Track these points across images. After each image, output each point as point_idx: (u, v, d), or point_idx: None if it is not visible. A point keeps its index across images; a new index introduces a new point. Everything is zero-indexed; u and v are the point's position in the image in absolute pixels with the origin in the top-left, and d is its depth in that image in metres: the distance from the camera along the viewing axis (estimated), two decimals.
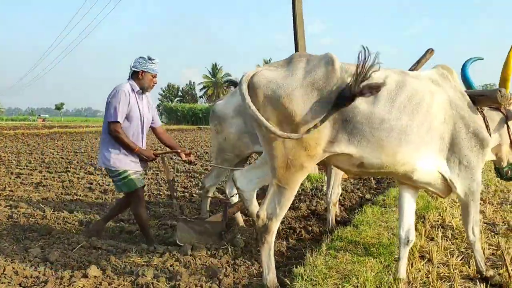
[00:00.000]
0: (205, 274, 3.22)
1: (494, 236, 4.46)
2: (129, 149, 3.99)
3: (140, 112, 4.11)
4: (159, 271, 3.31)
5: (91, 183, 7.80)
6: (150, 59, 4.07)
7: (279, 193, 2.71)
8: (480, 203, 5.72)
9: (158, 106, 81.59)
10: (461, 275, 3.45)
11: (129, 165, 4.04)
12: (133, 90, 4.06)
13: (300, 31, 8.74)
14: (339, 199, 6.31)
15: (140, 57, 4.08)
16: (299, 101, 2.60)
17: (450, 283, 3.33)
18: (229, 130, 4.31)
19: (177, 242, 3.94)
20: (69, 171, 9.35)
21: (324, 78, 2.64)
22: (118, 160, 3.99)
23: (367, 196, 6.57)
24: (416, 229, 4.58)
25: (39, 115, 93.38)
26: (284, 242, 4.07)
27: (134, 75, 4.12)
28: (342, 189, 7.17)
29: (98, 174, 8.92)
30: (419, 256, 3.83)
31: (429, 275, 3.45)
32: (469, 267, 3.61)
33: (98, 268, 3.34)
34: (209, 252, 3.79)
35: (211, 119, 4.56)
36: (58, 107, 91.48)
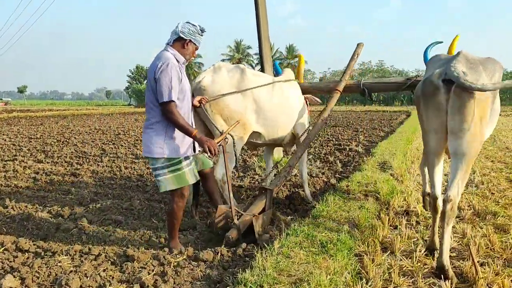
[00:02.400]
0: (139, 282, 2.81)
1: (459, 222, 4.24)
2: (187, 133, 3.31)
3: (188, 88, 3.50)
4: (88, 277, 2.88)
5: (37, 173, 7.21)
6: (202, 30, 3.46)
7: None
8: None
9: (127, 88, 79.50)
10: (425, 269, 3.18)
11: (184, 152, 3.41)
12: (178, 61, 3.37)
13: (262, 11, 8.23)
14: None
15: (190, 23, 3.39)
16: None
17: (413, 279, 3.06)
18: None
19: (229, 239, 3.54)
20: (16, 159, 8.68)
21: None
22: (173, 148, 3.33)
23: (332, 181, 6.28)
24: (379, 218, 4.33)
25: (1, 99, 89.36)
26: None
27: (178, 43, 3.41)
28: (308, 173, 6.89)
29: (48, 163, 8.31)
30: (381, 249, 3.56)
31: (391, 270, 3.18)
32: (433, 259, 3.36)
33: (16, 277, 2.89)
34: (153, 252, 3.39)
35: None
36: (21, 90, 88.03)
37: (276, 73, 5.62)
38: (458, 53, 3.14)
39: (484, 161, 8.09)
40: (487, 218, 4.41)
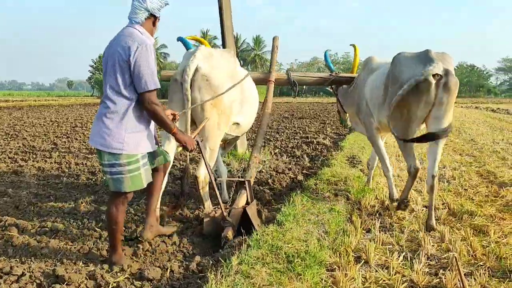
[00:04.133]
0: None
1: (437, 224, 3.92)
2: (167, 129, 2.93)
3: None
4: None
5: None
6: (166, 3, 2.98)
7: None
8: (417, 181, 5.27)
9: (90, 78, 76.83)
10: (403, 283, 2.82)
11: (145, 149, 2.94)
12: None
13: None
14: (268, 182, 5.61)
15: None
16: None
17: None
18: None
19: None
20: None
21: None
22: (135, 143, 2.84)
23: (299, 177, 5.89)
24: (351, 221, 3.95)
25: None
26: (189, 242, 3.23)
27: (148, 21, 2.93)
28: (274, 169, 6.48)
29: None
30: (355, 258, 3.17)
31: (367, 285, 2.79)
32: (412, 270, 3.00)
33: None
34: (89, 270, 2.86)
35: None
36: None
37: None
38: (429, 51, 3.67)
39: (452, 154, 7.91)
40: (463, 218, 4.12)
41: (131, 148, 2.82)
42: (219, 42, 69.70)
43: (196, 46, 4.09)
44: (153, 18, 2.95)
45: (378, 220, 3.99)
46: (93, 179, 5.87)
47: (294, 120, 16.29)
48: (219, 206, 3.46)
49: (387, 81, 3.91)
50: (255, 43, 71.80)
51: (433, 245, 3.42)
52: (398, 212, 4.25)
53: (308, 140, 10.09)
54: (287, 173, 6.22)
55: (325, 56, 6.19)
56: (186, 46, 4.71)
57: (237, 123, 4.16)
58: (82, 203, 4.59)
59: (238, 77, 4.01)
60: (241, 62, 6.13)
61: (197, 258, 2.99)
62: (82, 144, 9.42)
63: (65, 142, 9.90)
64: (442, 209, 4.42)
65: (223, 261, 2.68)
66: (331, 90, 6.05)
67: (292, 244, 2.94)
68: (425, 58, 3.60)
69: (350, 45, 5.77)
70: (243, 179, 4.04)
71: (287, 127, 13.28)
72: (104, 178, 2.98)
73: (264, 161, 7.18)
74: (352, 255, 3.15)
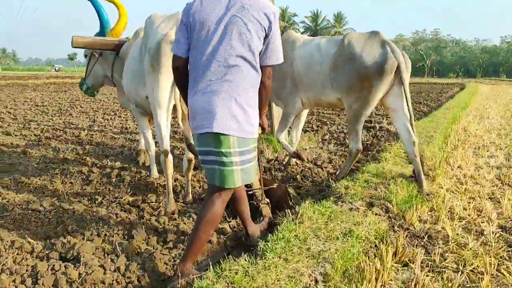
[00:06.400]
0: None
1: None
2: (265, 108, 2.60)
3: None
4: None
5: None
6: None
7: None
8: (496, 188, 3.88)
9: None
10: None
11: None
12: None
13: None
14: (297, 178, 4.53)
15: None
16: None
17: None
18: None
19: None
20: None
21: None
22: (256, 125, 2.44)
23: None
24: (378, 252, 2.76)
25: (53, 66, 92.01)
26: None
27: None
28: (312, 161, 5.36)
29: None
30: None
31: None
32: None
33: None
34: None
35: None
36: (71, 58, 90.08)
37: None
38: (378, 32, 3.88)
39: None
40: None
41: (256, 131, 2.43)
42: (298, 19, 67.76)
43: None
44: None
45: (421, 251, 2.77)
46: None
47: None
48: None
49: (338, 59, 3.94)
50: (336, 20, 68.74)
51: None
52: (457, 236, 2.98)
53: (370, 124, 8.67)
54: (326, 167, 5.07)
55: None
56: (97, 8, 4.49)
57: None
58: None
59: None
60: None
61: None
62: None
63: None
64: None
65: None
66: None
67: None
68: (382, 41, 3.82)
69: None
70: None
71: None
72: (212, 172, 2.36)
73: (305, 149, 6.06)
74: None
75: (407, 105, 3.89)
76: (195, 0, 2.35)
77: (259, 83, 2.41)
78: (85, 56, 4.90)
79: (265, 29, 2.30)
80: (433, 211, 3.54)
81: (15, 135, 7.29)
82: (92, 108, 11.85)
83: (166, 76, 3.25)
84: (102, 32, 4.62)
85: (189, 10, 2.33)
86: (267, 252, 2.32)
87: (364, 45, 3.80)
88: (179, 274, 2.21)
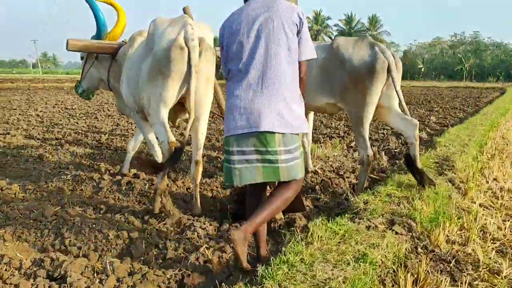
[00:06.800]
0: None
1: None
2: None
3: None
4: None
5: None
6: None
7: None
8: None
9: None
10: None
11: None
12: None
13: None
14: (316, 189, 4.25)
15: None
16: None
17: None
18: None
19: None
20: None
21: None
22: (302, 118, 2.49)
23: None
24: (396, 282, 2.45)
25: None
26: None
27: None
28: (334, 170, 5.07)
29: None
30: None
31: None
32: None
33: None
34: None
35: None
36: None
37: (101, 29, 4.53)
38: (366, 36, 3.93)
39: None
40: None
41: (305, 124, 2.49)
42: (332, 22, 67.01)
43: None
44: None
45: (449, 276, 2.44)
46: None
47: None
48: None
49: (328, 65, 3.89)
50: (370, 23, 67.48)
51: None
52: (490, 260, 2.62)
53: None
54: (348, 177, 4.75)
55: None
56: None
57: None
58: None
59: None
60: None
61: None
62: None
63: None
64: None
65: None
66: None
67: None
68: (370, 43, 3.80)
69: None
70: None
71: None
72: (255, 171, 2.34)
73: (328, 157, 5.75)
74: None
75: (401, 104, 3.80)
76: (227, 19, 2.50)
77: (298, 78, 2.45)
78: (81, 58, 4.76)
79: (297, 25, 2.39)
80: (463, 230, 3.19)
81: (37, 139, 7.33)
82: None
83: (175, 80, 3.24)
84: (98, 35, 4.46)
85: (223, 29, 2.50)
86: (266, 279, 2.06)
87: (353, 48, 3.78)
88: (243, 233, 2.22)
